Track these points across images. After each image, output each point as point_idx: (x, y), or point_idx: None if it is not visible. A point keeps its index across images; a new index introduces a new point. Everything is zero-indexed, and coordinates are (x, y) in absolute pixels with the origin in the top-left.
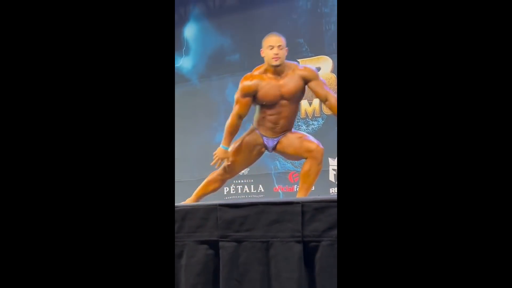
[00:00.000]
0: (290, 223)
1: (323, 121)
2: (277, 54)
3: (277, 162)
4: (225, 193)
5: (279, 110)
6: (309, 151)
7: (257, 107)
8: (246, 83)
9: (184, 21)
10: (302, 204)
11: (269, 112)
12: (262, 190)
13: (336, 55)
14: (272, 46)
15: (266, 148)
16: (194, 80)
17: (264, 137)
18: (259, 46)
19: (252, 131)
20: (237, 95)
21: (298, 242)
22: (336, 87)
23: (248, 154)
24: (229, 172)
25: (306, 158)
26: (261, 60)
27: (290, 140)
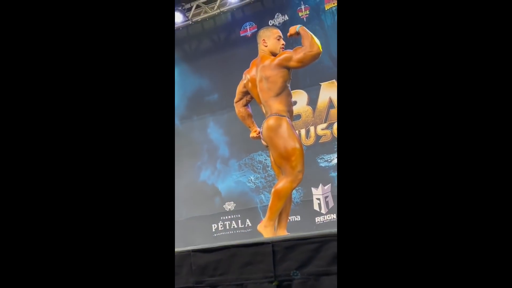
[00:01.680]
0: (262, 264)
1: None
2: (284, 44)
3: (262, 195)
4: (213, 230)
5: None
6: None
7: (281, 95)
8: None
9: None
10: (273, 244)
11: (290, 92)
12: (250, 224)
13: (311, 88)
14: (280, 36)
15: None
16: (176, 122)
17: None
18: (236, 85)
19: (286, 122)
20: (289, 57)
21: (271, 282)
22: (313, 119)
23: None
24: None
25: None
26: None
27: None
